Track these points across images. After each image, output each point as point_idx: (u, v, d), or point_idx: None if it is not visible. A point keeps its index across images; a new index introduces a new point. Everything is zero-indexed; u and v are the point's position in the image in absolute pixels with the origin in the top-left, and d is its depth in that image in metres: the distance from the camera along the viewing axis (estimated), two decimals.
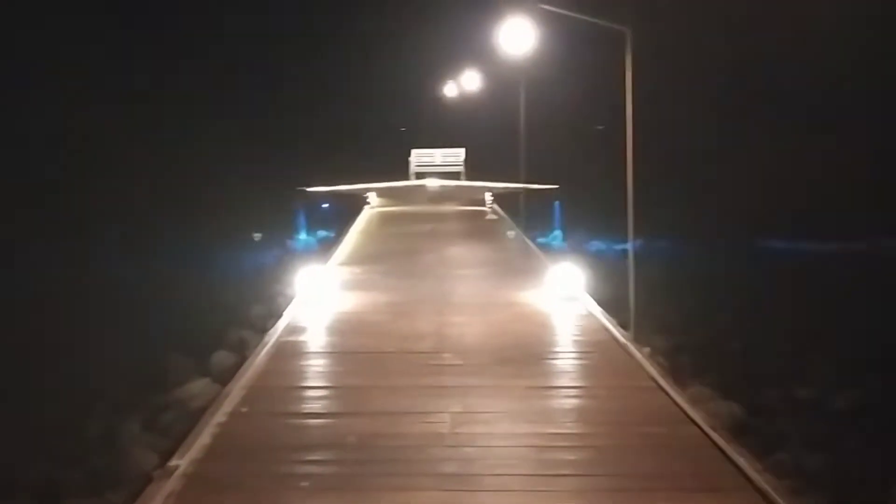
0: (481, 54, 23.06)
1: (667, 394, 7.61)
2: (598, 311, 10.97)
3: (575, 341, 9.71)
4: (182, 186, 28.69)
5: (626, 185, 9.88)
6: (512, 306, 11.64)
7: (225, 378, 10.47)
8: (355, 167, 34.61)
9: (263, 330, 13.04)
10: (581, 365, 8.73)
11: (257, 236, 30.52)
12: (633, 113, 10.17)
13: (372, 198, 26.63)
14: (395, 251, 17.30)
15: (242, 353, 12.07)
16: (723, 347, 14.86)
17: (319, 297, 11.81)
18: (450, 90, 36.66)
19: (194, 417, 8.85)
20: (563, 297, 11.78)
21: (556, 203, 31.49)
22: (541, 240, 27.00)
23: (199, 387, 11.20)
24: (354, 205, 28.08)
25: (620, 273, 20.74)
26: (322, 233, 31.11)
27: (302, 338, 9.97)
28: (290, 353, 9.31)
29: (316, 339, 10.01)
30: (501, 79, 22.68)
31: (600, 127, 44.10)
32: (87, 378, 13.07)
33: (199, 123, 30.52)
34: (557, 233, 30.73)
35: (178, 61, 30.79)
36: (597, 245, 29.83)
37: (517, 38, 10.83)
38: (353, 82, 39.35)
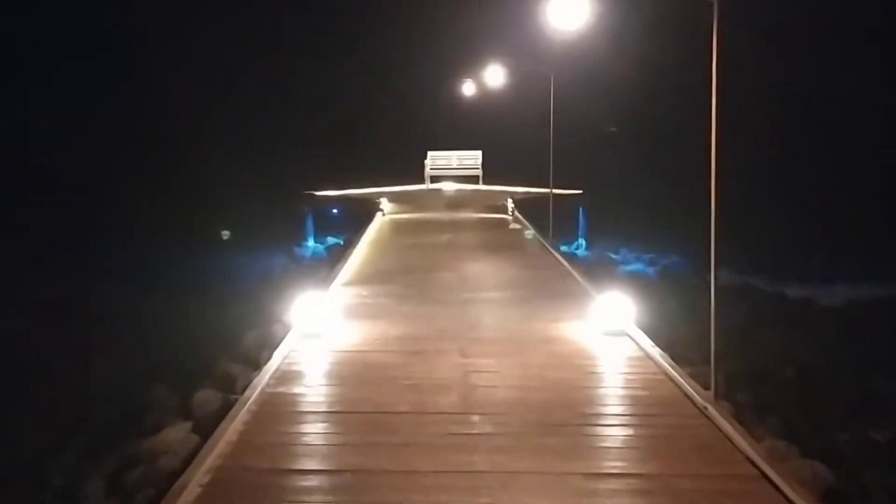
0: (505, 49, 21.09)
1: (783, 493, 5.59)
2: (658, 353, 8.96)
3: (636, 398, 7.69)
4: (180, 190, 26.96)
5: (710, 196, 7.83)
6: (549, 344, 9.65)
7: (205, 427, 8.72)
8: (366, 170, 32.82)
9: (255, 363, 11.23)
10: (652, 437, 6.71)
11: (225, 234, 28.62)
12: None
13: (385, 204, 24.68)
14: (409, 267, 15.34)
15: (228, 394, 10.36)
16: (776, 375, 13.06)
17: (318, 329, 9.87)
18: (468, 89, 34.68)
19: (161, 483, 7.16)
20: (610, 332, 9.79)
21: (580, 209, 29.71)
22: (563, 248, 25.21)
23: (175, 436, 9.49)
24: (365, 210, 26.17)
25: (653, 289, 18.87)
26: (331, 239, 29.37)
27: (294, 388, 8.01)
28: (276, 411, 7.35)
29: (311, 390, 8.05)
30: (525, 75, 20.71)
31: (613, 129, 42.08)
32: (65, 405, 11.44)
33: (199, 124, 28.73)
34: (581, 241, 28.84)
35: (180, 59, 29.02)
36: (624, 256, 27.95)
37: (569, 11, 8.88)
38: (364, 80, 37.42)
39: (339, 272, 14.50)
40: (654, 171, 34.22)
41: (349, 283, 13.62)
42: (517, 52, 18.62)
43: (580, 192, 29.31)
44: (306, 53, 34.33)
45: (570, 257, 19.40)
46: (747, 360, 13.56)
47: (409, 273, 14.68)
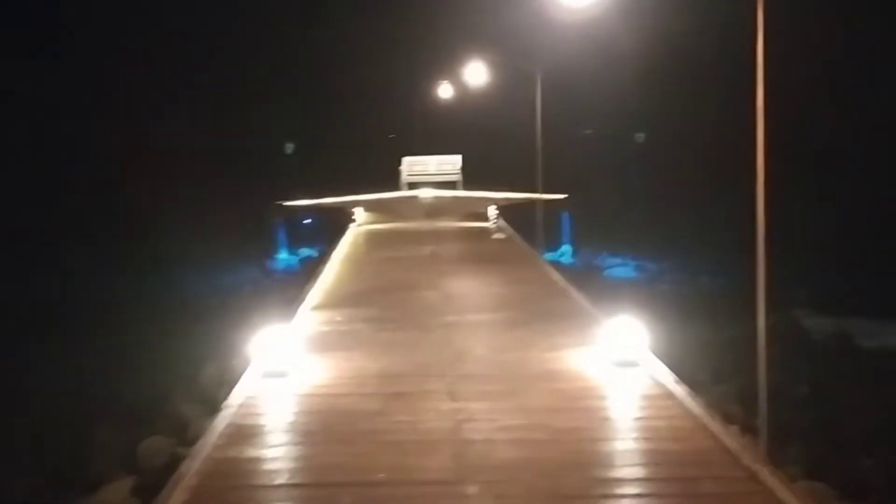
0: (485, 47, 19.61)
1: None
2: (683, 392, 7.61)
3: (665, 454, 6.30)
4: (141, 198, 25.27)
5: (757, 209, 6.48)
6: (552, 379, 8.26)
7: (148, 485, 7.45)
8: (340, 177, 31.36)
9: (212, 403, 9.82)
10: None
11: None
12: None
13: (358, 214, 23.20)
14: (387, 286, 13.91)
15: (179, 442, 9.01)
16: (788, 392, 11.93)
17: (283, 367, 8.42)
18: (445, 91, 33.27)
19: None
20: (621, 362, 8.43)
21: (565, 215, 28.47)
22: (548, 255, 24.17)
23: (115, 497, 8.22)
24: (338, 221, 24.71)
25: (644, 296, 17.61)
26: (306, 251, 27.84)
27: (247, 450, 6.54)
28: (222, 487, 5.88)
29: (268, 452, 6.57)
30: (506, 75, 19.31)
31: (588, 131, 40.74)
32: (4, 448, 10.08)
33: (160, 128, 26.98)
34: (566, 248, 27.58)
35: (136, 59, 27.25)
36: (610, 261, 26.56)
37: None
38: (336, 83, 35.84)
39: (309, 293, 13.06)
40: (640, 174, 33.05)
41: (320, 307, 12.16)
42: (498, 49, 17.27)
43: (565, 196, 28.00)
44: (274, 54, 32.66)
45: (558, 266, 18.11)
46: (748, 375, 12.39)
47: (387, 292, 13.25)
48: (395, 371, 8.66)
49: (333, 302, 12.56)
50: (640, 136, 34.20)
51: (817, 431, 10.43)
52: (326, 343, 9.85)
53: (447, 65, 31.52)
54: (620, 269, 26.03)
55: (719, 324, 13.60)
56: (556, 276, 14.26)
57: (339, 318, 11.32)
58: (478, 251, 17.74)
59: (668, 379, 7.93)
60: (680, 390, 7.62)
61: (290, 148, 27.16)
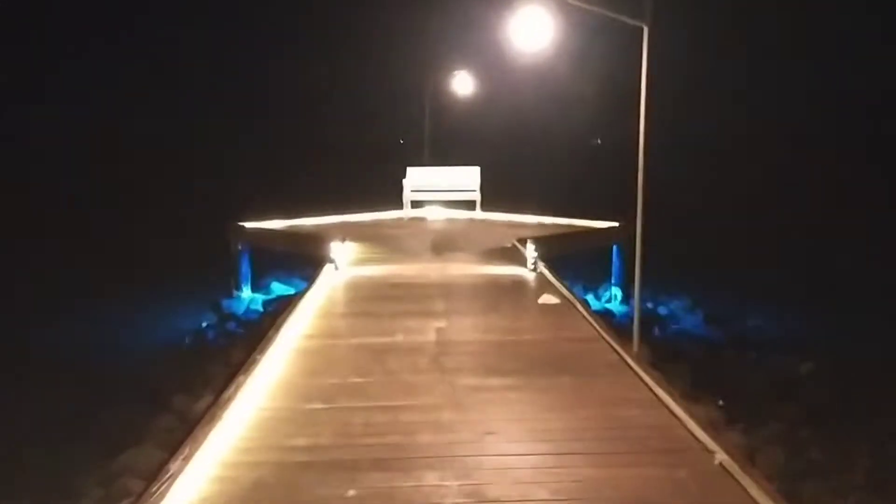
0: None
1: None
2: None
3: None
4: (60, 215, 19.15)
5: None
6: None
7: None
8: (325, 192, 25.13)
9: None
10: None
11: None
12: None
13: (337, 250, 16.23)
14: (345, 453, 6.94)
15: None
16: None
17: None
18: (462, 84, 26.72)
19: None
20: None
21: (615, 248, 22.84)
22: (591, 298, 18.65)
23: None
24: (313, 257, 17.99)
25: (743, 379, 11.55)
26: (278, 286, 22.17)
27: None
28: None
29: None
30: (551, 48, 12.53)
31: (597, 141, 36.21)
32: None
33: (99, 128, 20.66)
34: (615, 292, 21.96)
35: (78, 39, 21.04)
36: (672, 309, 21.26)
37: None
38: (324, 72, 29.44)
39: (189, 463, 6.13)
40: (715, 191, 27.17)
41: None
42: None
43: (616, 224, 22.14)
44: (248, 41, 26.16)
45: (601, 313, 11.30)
46: None
47: (353, 480, 6.30)
48: None
49: None
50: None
51: None
52: None
53: (468, 46, 24.99)
54: (686, 319, 20.65)
55: None
56: (691, 423, 7.22)
57: None
58: (519, 338, 10.66)
59: None
60: None
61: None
